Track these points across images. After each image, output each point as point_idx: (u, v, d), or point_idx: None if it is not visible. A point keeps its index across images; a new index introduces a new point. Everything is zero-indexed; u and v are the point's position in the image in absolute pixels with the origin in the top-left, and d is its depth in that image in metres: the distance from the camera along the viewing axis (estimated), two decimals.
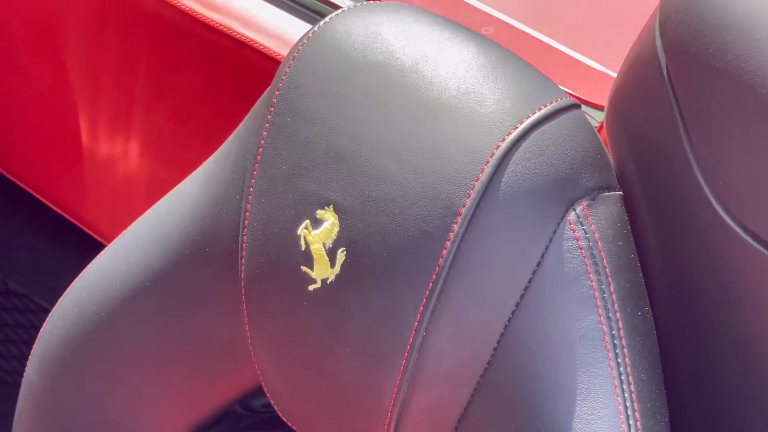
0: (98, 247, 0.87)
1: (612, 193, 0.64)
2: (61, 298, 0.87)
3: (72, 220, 1.25)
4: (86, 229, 1.23)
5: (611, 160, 0.66)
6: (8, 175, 1.31)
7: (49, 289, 1.38)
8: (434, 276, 0.63)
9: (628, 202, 0.65)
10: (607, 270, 0.62)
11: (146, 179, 1.15)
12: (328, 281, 0.67)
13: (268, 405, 0.86)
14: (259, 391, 0.83)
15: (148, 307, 0.80)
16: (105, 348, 0.83)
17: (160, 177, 1.14)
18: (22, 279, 1.44)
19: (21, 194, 1.31)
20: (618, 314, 0.62)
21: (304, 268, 0.68)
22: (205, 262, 0.76)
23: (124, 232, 0.84)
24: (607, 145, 0.67)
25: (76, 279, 0.86)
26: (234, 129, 0.77)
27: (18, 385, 1.20)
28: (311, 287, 0.68)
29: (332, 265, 0.67)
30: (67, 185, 1.24)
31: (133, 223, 0.83)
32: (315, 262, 0.67)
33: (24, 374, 0.89)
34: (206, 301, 0.77)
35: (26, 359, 0.90)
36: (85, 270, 0.86)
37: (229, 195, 0.74)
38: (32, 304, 1.45)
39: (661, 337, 0.65)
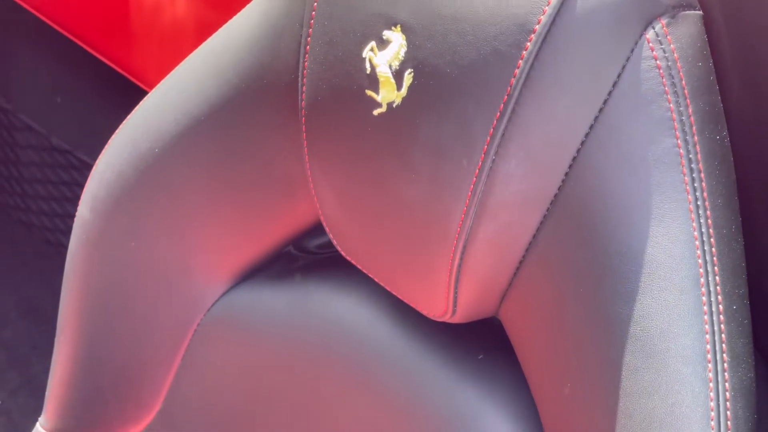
0: None
1: (692, 11, 0.61)
2: (113, 136, 0.85)
3: (119, 70, 1.23)
4: (133, 79, 1.21)
5: None
6: (53, 24, 1.29)
7: (93, 145, 1.37)
8: (505, 97, 0.61)
9: (706, 24, 0.63)
10: (686, 91, 0.60)
11: (194, 25, 1.13)
12: (394, 105, 0.65)
13: (322, 246, 0.85)
14: (313, 232, 0.82)
15: (204, 142, 0.79)
16: (158, 185, 0.82)
17: (209, 23, 1.12)
18: (65, 135, 1.43)
19: (66, 44, 1.29)
20: (696, 137, 0.60)
21: (369, 92, 0.66)
22: (263, 94, 0.75)
23: (177, 67, 0.82)
24: None
25: (129, 116, 0.85)
26: None
27: (62, 244, 1.20)
28: (376, 112, 0.66)
29: (399, 87, 0.65)
30: (113, 33, 1.22)
31: (187, 58, 0.82)
32: (381, 86, 0.65)
33: (76, 213, 0.88)
34: (264, 135, 0.76)
35: (70, 218, 0.89)
36: (138, 106, 0.84)
37: (288, 24, 0.72)
38: (76, 161, 1.44)
39: (736, 164, 0.63)
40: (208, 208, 0.81)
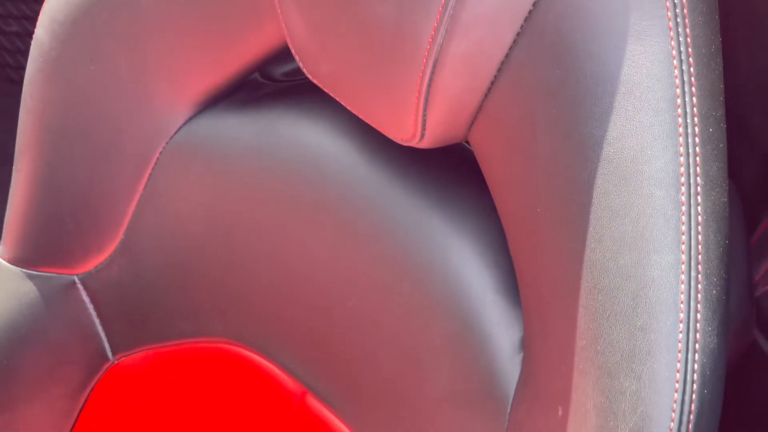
0: None
1: None
2: None
3: None
4: None
5: None
6: None
7: None
8: None
9: None
10: None
11: None
12: None
13: (289, 73, 0.83)
14: (279, 59, 0.80)
15: None
16: (119, 5, 0.79)
17: None
18: None
19: None
20: None
21: None
22: None
23: None
24: None
25: None
26: None
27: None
28: None
29: None
30: None
31: None
32: None
33: (33, 36, 0.85)
34: None
35: None
36: None
37: None
38: None
39: None
40: (169, 29, 0.78)
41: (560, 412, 0.60)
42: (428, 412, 0.72)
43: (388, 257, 0.72)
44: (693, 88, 0.58)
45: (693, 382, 0.56)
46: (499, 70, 0.62)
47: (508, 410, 0.67)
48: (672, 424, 0.55)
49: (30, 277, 0.88)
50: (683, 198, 0.57)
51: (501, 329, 0.68)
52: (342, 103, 0.71)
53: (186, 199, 0.83)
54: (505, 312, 0.68)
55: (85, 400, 0.90)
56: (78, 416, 0.90)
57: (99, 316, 0.89)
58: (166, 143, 0.82)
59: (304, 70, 0.73)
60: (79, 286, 0.88)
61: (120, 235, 0.86)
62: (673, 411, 0.55)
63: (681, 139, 0.57)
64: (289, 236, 0.78)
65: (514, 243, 0.66)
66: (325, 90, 0.72)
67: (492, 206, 0.68)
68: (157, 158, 0.83)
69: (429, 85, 0.63)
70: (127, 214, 0.85)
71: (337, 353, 0.78)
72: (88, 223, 0.86)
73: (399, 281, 0.72)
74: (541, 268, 0.63)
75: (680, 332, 0.56)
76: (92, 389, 0.90)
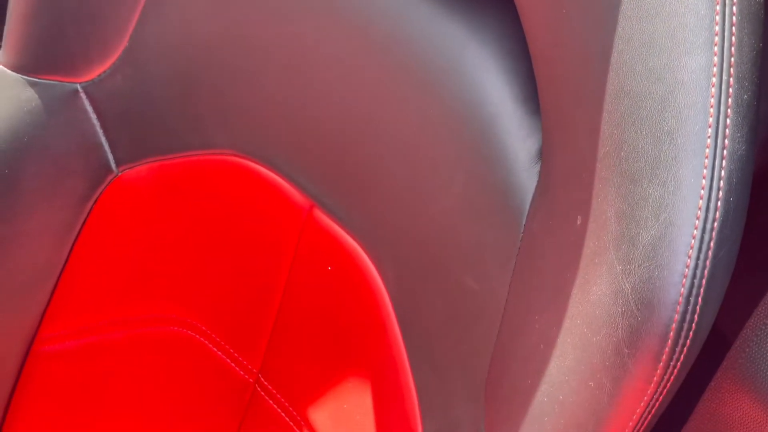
0: None
1: None
2: None
3: None
4: None
5: None
6: None
7: None
8: None
9: None
10: None
11: None
12: None
13: None
14: None
15: None
16: None
17: None
18: None
19: None
20: None
21: None
22: None
23: None
24: None
25: None
26: None
27: None
28: None
29: None
30: None
31: None
32: None
33: None
34: None
35: None
36: None
37: None
38: None
39: None
40: None
41: (579, 221, 0.59)
42: (439, 225, 0.70)
43: (403, 64, 0.70)
44: None
45: (719, 189, 0.54)
46: None
47: (523, 222, 0.65)
48: (695, 231, 0.53)
49: (31, 84, 0.85)
50: None
51: (518, 139, 0.66)
52: None
53: (192, 5, 0.80)
54: (524, 121, 0.66)
55: (88, 213, 0.89)
56: (81, 229, 0.89)
57: (102, 126, 0.87)
58: None
59: None
60: (82, 95, 0.86)
61: (124, 43, 0.83)
62: (697, 218, 0.53)
63: None
64: (298, 44, 0.75)
65: (535, 48, 0.63)
66: None
67: (513, 11, 0.65)
68: None
69: None
70: (131, 21, 0.82)
71: (348, 165, 0.76)
72: (89, 29, 0.83)
73: (413, 90, 0.70)
74: (563, 73, 0.60)
75: (708, 137, 0.54)
76: (95, 201, 0.89)
